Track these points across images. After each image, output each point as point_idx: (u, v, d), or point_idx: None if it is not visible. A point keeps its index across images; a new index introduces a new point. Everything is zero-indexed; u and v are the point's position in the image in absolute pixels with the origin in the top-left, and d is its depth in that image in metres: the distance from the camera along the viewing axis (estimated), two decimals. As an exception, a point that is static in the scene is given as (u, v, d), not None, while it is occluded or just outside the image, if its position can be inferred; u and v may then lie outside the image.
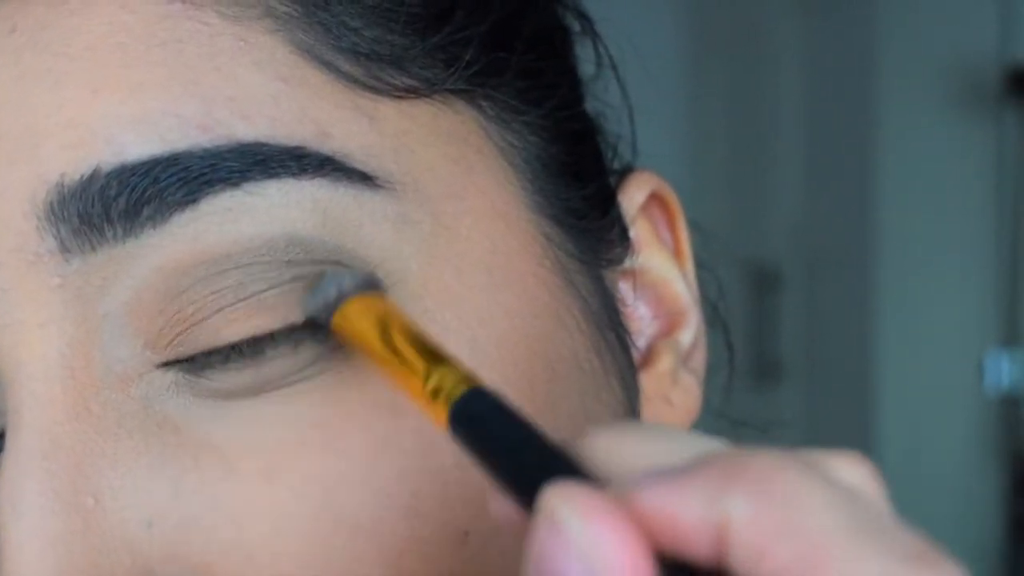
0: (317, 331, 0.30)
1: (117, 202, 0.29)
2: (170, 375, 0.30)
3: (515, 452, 0.25)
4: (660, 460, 0.23)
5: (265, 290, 0.30)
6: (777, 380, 2.14)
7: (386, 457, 0.29)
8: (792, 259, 2.16)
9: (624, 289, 0.38)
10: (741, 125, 2.16)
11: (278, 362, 0.30)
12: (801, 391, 2.16)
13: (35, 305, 0.30)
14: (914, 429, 2.10)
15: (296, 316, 0.30)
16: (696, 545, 0.22)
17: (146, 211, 0.29)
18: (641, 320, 0.38)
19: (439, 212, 0.32)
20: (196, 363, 0.30)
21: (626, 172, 0.39)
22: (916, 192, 2.10)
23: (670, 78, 2.04)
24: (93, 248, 0.29)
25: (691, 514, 0.21)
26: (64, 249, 0.29)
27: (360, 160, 0.31)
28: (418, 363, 0.28)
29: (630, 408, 0.36)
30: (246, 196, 0.29)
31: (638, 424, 0.26)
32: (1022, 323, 2.22)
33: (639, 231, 0.38)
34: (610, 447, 0.24)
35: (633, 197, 0.38)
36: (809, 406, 2.15)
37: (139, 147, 0.29)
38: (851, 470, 0.23)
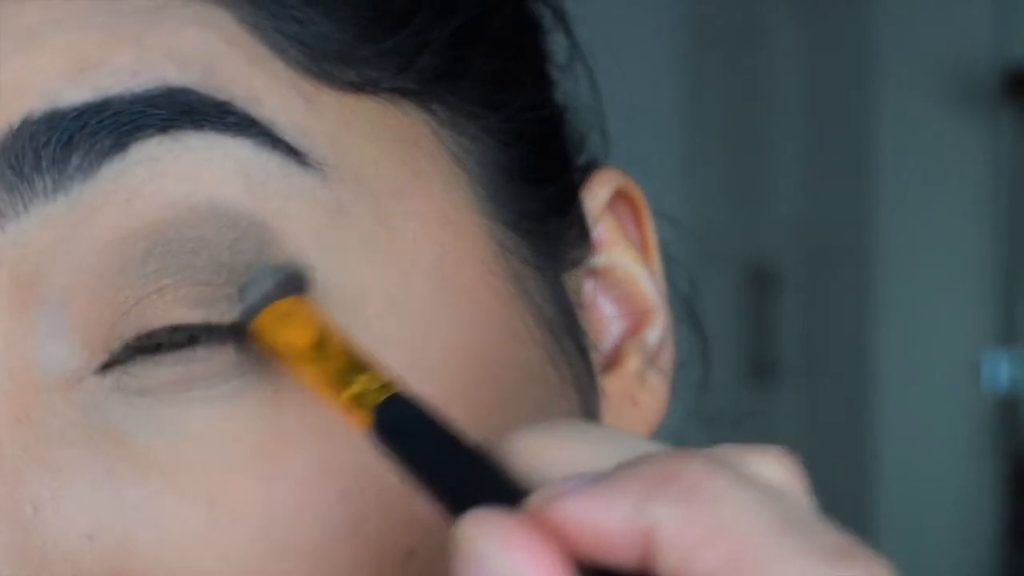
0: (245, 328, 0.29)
1: (47, 149, 0.28)
2: (109, 379, 0.29)
3: (437, 460, 0.24)
4: (585, 463, 0.23)
5: (187, 278, 0.29)
6: (776, 379, 2.14)
7: (327, 480, 0.29)
8: (791, 259, 2.16)
9: (588, 288, 0.37)
10: (740, 124, 2.16)
11: (209, 359, 0.29)
12: (800, 390, 2.16)
13: None
14: (912, 428, 2.10)
15: (222, 313, 0.29)
16: (622, 553, 0.22)
17: (75, 159, 0.29)
18: (606, 319, 0.37)
19: (382, 209, 0.31)
20: (130, 360, 0.29)
21: (591, 169, 0.38)
22: (914, 192, 2.10)
23: (669, 77, 2.04)
24: (26, 207, 0.29)
25: (614, 522, 0.22)
26: None
27: (291, 132, 0.30)
28: (340, 369, 0.27)
29: (588, 416, 0.35)
30: (173, 143, 0.29)
31: (563, 424, 0.25)
32: (1020, 323, 2.22)
33: (604, 229, 0.38)
34: (533, 449, 0.24)
35: (597, 195, 0.37)
36: (807, 405, 2.16)
37: (72, 95, 0.29)
38: (773, 467, 0.23)
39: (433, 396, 0.29)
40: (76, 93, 0.29)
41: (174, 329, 0.29)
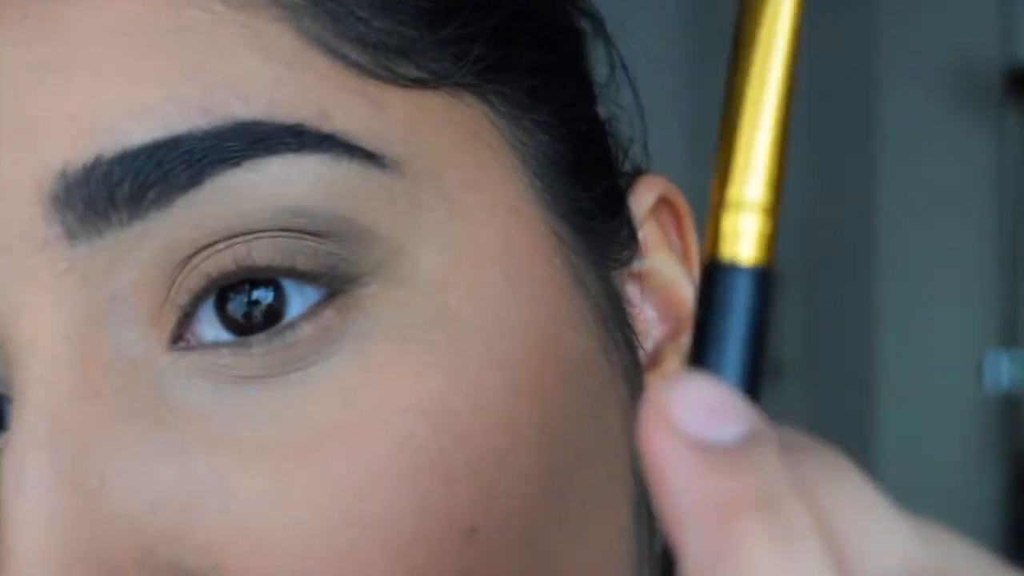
0: (334, 303, 0.30)
1: (121, 187, 0.29)
2: (185, 361, 0.30)
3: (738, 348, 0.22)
4: None
5: (265, 236, 0.30)
6: (778, 379, 2.14)
7: (399, 457, 0.30)
8: (793, 259, 2.16)
9: (632, 291, 0.38)
10: (742, 124, 2.16)
11: (293, 344, 0.30)
12: (802, 390, 2.16)
13: (43, 289, 0.30)
14: (914, 428, 2.10)
15: (294, 262, 0.30)
16: None
17: (151, 195, 0.29)
18: (648, 322, 0.38)
19: (455, 201, 0.32)
20: (209, 346, 0.30)
21: (636, 175, 0.39)
22: (917, 193, 2.10)
23: (672, 78, 2.04)
24: (100, 233, 0.30)
25: None
26: (70, 235, 0.30)
27: (365, 139, 0.31)
28: (770, 155, 0.24)
29: (633, 408, 0.36)
30: (248, 174, 0.30)
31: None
32: (1022, 324, 2.22)
33: (648, 234, 0.38)
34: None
35: (642, 200, 0.38)
36: (810, 405, 2.15)
37: (141, 134, 0.29)
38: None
39: (505, 380, 0.31)
40: (145, 132, 0.29)
41: (252, 278, 0.30)
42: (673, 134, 2.00)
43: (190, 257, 0.30)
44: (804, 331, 2.17)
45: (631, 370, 0.36)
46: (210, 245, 0.30)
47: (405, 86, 0.32)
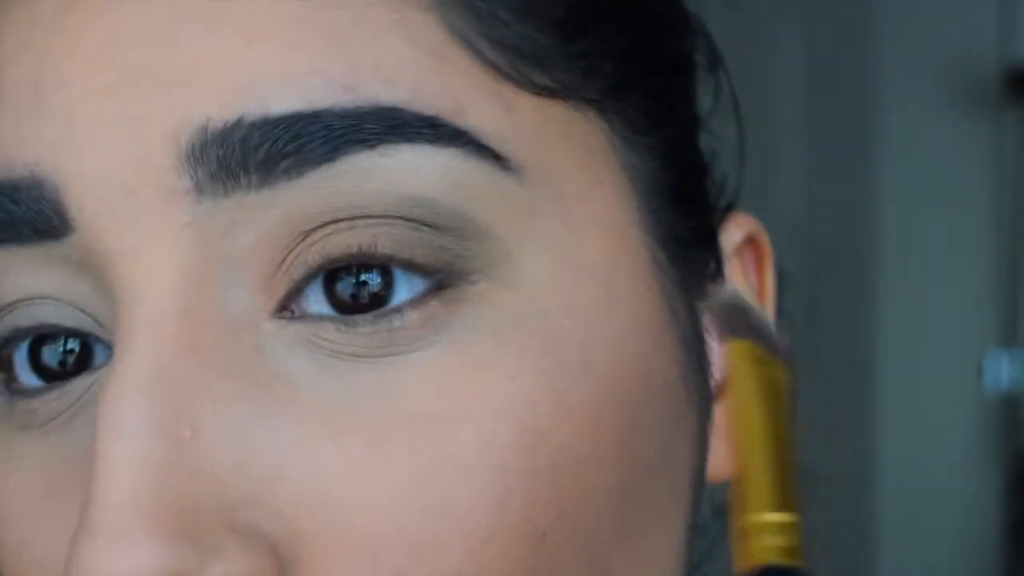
0: (441, 295, 0.31)
1: (257, 152, 0.30)
2: (288, 330, 0.31)
3: None
4: None
5: (384, 225, 0.30)
6: (777, 379, 2.14)
7: (485, 454, 0.30)
8: (792, 258, 2.16)
9: (708, 322, 0.39)
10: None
11: (398, 328, 0.30)
12: (801, 389, 2.16)
13: (162, 238, 0.30)
14: (913, 428, 2.10)
15: (417, 255, 0.30)
16: None
17: (284, 164, 0.30)
18: (719, 354, 0.39)
19: (569, 213, 0.33)
20: (314, 318, 0.31)
21: (728, 210, 0.41)
22: (916, 192, 2.10)
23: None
24: (227, 193, 0.30)
25: None
26: (198, 190, 0.30)
27: (494, 140, 0.31)
28: (770, 486, 0.29)
29: (702, 435, 0.37)
30: (381, 158, 0.30)
31: None
32: (1022, 323, 2.22)
33: (730, 270, 0.40)
34: None
35: (732, 236, 0.40)
36: (809, 405, 2.15)
37: (283, 102, 0.30)
38: None
39: (595, 392, 0.32)
40: (288, 101, 0.30)
41: (362, 263, 0.31)
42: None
43: (310, 232, 0.30)
44: (804, 331, 2.17)
45: (703, 399, 0.37)
46: (331, 223, 0.30)
47: (536, 93, 0.33)
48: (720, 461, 0.37)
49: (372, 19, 0.31)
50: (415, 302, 0.31)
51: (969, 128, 2.16)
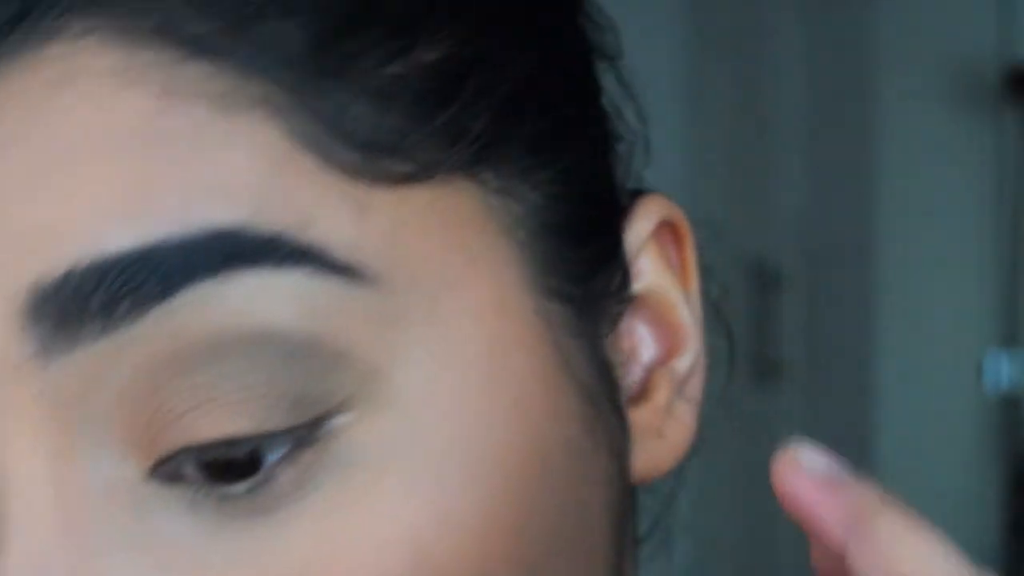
0: (310, 438, 0.30)
1: (93, 299, 0.28)
2: (165, 492, 0.30)
3: None
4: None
5: (239, 391, 0.29)
6: (777, 379, 2.14)
7: None
8: (792, 258, 2.16)
9: (625, 316, 0.37)
10: (742, 124, 2.16)
11: (272, 486, 0.29)
12: (801, 390, 2.16)
13: (17, 415, 0.29)
14: (914, 429, 2.10)
15: (280, 421, 0.29)
16: None
17: (123, 306, 0.28)
18: (641, 343, 0.37)
19: (437, 308, 0.31)
20: (190, 481, 0.29)
21: (636, 196, 0.38)
22: (916, 192, 2.10)
23: (671, 76, 2.04)
24: (72, 348, 0.29)
25: None
26: (44, 352, 0.29)
27: (344, 252, 0.30)
28: None
29: (619, 473, 0.36)
30: (222, 286, 0.29)
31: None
32: (1022, 323, 2.22)
33: (646, 256, 0.37)
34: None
35: (642, 226, 0.37)
36: (809, 405, 2.15)
37: (115, 243, 0.28)
38: None
39: (483, 500, 0.31)
40: (119, 241, 0.28)
41: (229, 443, 0.29)
42: (673, 133, 2.00)
43: (167, 382, 0.29)
44: (803, 331, 2.17)
45: (617, 437, 0.36)
46: (192, 409, 0.29)
47: (394, 184, 0.31)
48: (651, 459, 0.36)
49: (206, 142, 0.29)
50: (287, 459, 0.29)
51: (969, 128, 2.16)
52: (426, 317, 0.31)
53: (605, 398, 0.35)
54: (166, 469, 0.30)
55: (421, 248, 0.31)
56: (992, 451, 2.21)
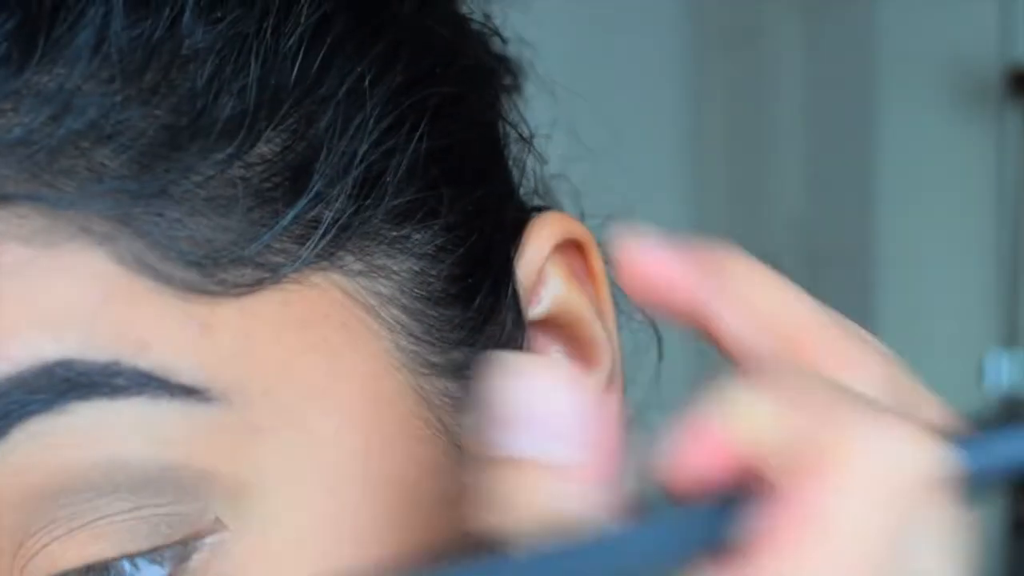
0: (185, 556, 0.29)
1: None
2: None
3: None
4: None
5: (98, 519, 0.28)
6: (777, 380, 2.14)
7: None
8: (792, 258, 2.16)
9: (535, 338, 0.36)
10: (741, 124, 2.16)
11: None
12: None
13: None
14: (914, 429, 2.09)
15: (136, 545, 0.28)
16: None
17: None
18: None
19: (297, 415, 0.30)
20: None
21: (532, 214, 0.36)
22: (916, 192, 2.09)
23: (670, 76, 2.03)
24: None
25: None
26: None
27: (186, 373, 0.29)
28: None
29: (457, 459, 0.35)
30: (60, 418, 0.28)
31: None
32: (1022, 323, 2.21)
33: (551, 276, 0.36)
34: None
35: (538, 248, 0.36)
36: (809, 406, 2.15)
37: None
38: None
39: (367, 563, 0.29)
40: None
41: (88, 569, 0.28)
42: (672, 133, 2.00)
43: (26, 516, 0.28)
44: (804, 331, 2.17)
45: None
46: (35, 506, 0.28)
47: (237, 296, 0.29)
48: None
49: (28, 280, 0.28)
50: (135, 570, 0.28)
51: (969, 128, 2.16)
52: (288, 425, 0.30)
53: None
54: None
55: (274, 357, 0.30)
56: (992, 451, 2.21)
